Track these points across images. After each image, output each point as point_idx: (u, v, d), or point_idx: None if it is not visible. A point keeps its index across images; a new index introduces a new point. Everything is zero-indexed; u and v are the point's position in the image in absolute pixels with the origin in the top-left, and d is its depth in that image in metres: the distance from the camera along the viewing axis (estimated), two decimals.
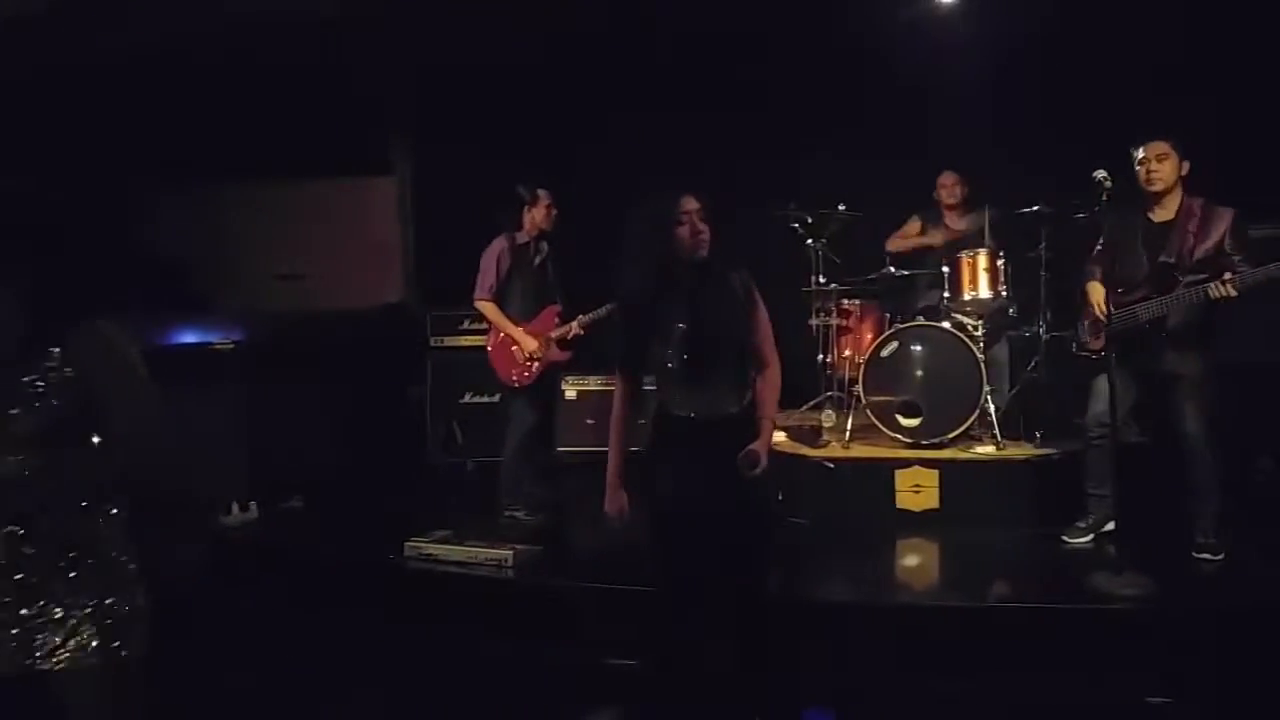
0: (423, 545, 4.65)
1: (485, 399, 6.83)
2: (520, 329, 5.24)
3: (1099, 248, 4.50)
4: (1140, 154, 4.30)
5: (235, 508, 5.59)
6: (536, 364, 5.27)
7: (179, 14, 5.84)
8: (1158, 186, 4.28)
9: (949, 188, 6.07)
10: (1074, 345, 4.74)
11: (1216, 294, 4.06)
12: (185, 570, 4.82)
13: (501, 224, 5.37)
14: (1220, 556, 4.28)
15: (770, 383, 3.13)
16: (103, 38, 5.90)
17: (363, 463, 6.42)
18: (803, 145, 6.61)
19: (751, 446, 2.95)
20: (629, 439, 3.17)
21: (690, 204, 2.99)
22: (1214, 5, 5.77)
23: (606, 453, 3.17)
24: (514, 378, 5.30)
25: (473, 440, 6.82)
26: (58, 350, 2.21)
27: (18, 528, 2.21)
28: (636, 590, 4.08)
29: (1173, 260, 4.26)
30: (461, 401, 6.92)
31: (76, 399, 2.21)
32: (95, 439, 2.26)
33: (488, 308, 5.26)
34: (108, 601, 2.26)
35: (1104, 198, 4.15)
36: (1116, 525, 4.41)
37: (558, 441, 6.75)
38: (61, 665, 2.21)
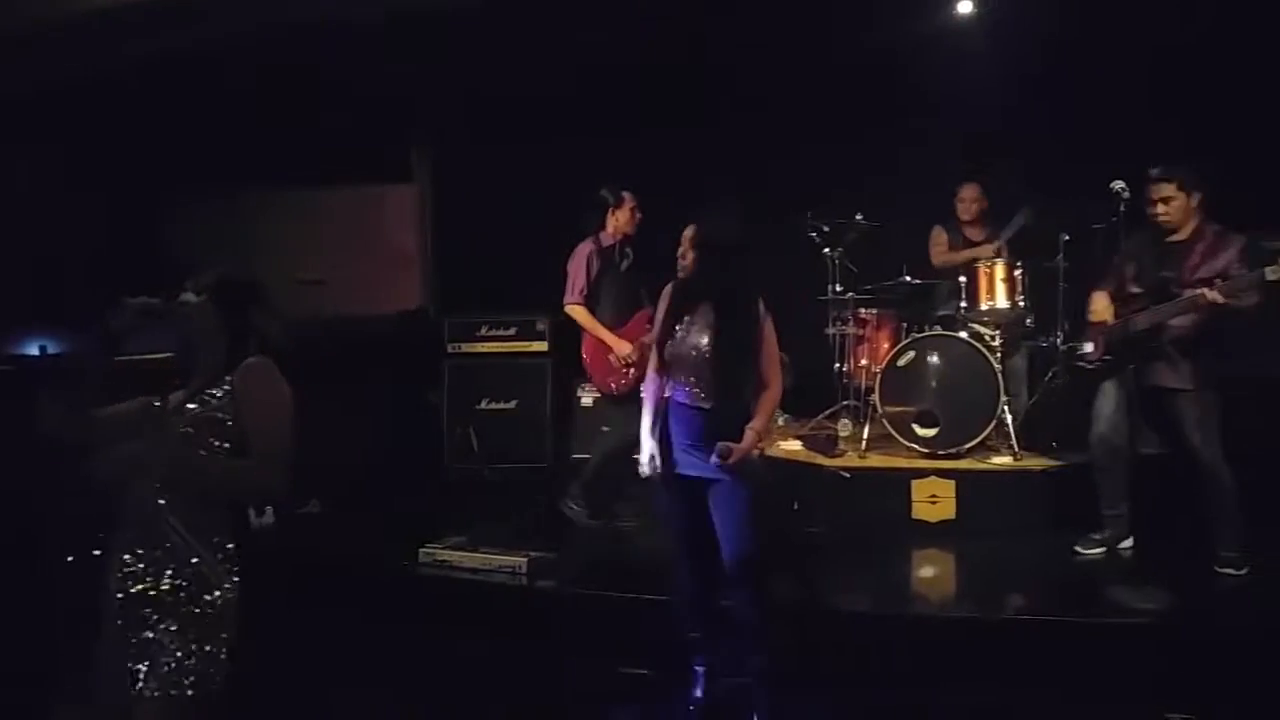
0: (437, 552, 4.66)
1: (502, 405, 6.86)
2: (613, 334, 5.09)
3: (1115, 261, 4.53)
4: (1151, 193, 4.33)
5: (252, 513, 5.61)
6: (633, 371, 5.00)
7: (200, 21, 5.88)
8: (1164, 225, 4.33)
9: (967, 203, 6.03)
10: (1074, 357, 4.75)
11: (1205, 300, 4.08)
12: None
13: (584, 227, 5.24)
14: (1244, 571, 4.21)
15: (766, 401, 3.44)
16: (124, 46, 5.95)
17: (379, 469, 6.45)
18: (820, 154, 6.60)
19: (728, 443, 3.28)
20: (657, 405, 3.56)
21: (686, 232, 3.49)
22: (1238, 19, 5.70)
23: None
24: (611, 386, 5.14)
25: (489, 447, 6.82)
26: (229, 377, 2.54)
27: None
28: (650, 599, 4.10)
29: (1173, 274, 4.27)
30: (478, 408, 6.93)
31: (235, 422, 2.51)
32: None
33: (579, 312, 5.10)
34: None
35: (1121, 209, 4.15)
36: (1134, 543, 4.37)
37: (574, 449, 6.75)
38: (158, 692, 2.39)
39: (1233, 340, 4.24)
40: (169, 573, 2.44)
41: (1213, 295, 4.05)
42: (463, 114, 7.26)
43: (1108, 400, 4.50)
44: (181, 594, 2.44)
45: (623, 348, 5.06)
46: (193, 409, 2.53)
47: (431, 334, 7.19)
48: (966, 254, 5.92)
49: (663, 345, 3.50)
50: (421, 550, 4.69)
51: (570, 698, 3.92)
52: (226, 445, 2.52)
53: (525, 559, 4.49)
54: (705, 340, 3.39)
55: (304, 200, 7.50)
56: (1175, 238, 4.34)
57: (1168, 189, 4.28)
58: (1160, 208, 4.30)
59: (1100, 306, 4.49)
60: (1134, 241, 4.52)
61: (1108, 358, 4.50)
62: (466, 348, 7.05)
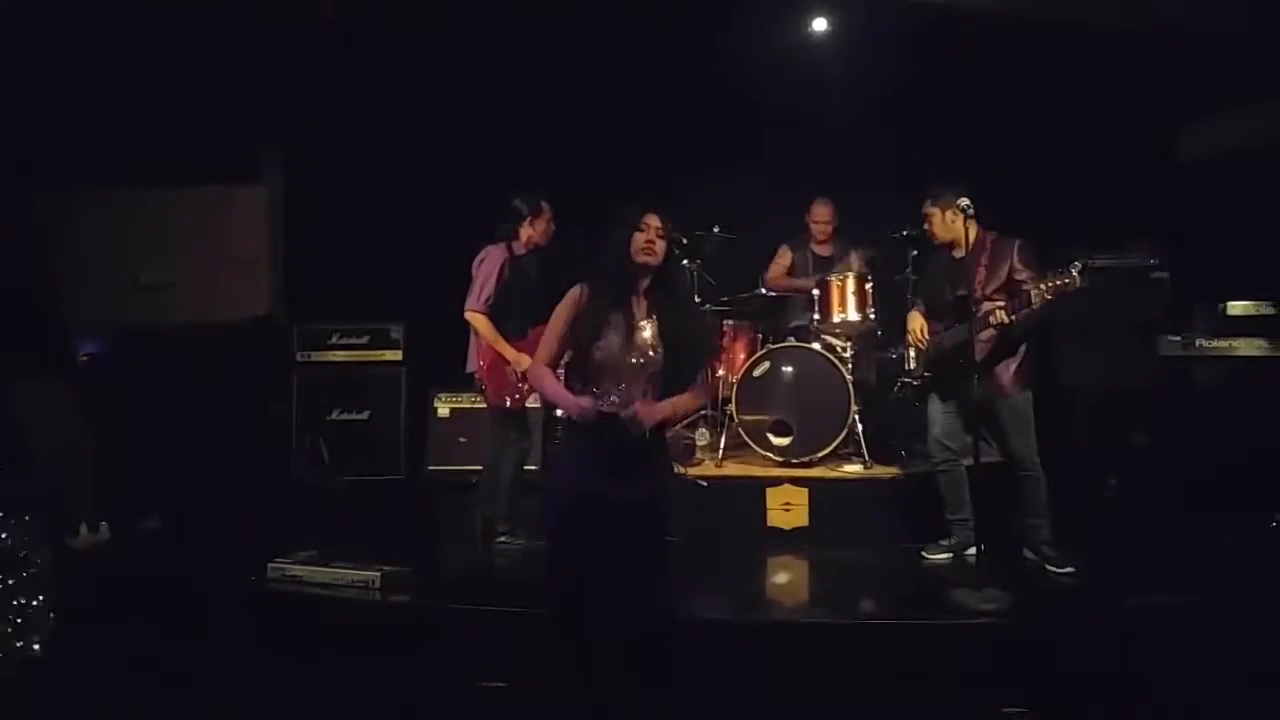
0: (287, 567, 4.49)
1: (354, 416, 6.67)
2: (513, 348, 4.87)
3: (919, 281, 4.83)
4: None
5: (84, 529, 5.27)
6: (528, 386, 4.83)
7: (34, 7, 5.52)
8: (935, 240, 4.66)
9: (821, 223, 6.20)
10: (901, 373, 4.99)
11: (995, 320, 4.35)
12: None
13: (495, 235, 5.05)
14: (1068, 569, 4.50)
15: (692, 392, 3.17)
16: None
17: (225, 481, 6.15)
18: (679, 167, 6.68)
19: (645, 407, 2.98)
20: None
21: (652, 219, 3.13)
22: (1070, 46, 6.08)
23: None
24: (507, 400, 4.94)
25: (341, 458, 6.61)
26: None
27: None
28: (507, 610, 4.05)
29: (967, 292, 4.52)
30: (329, 418, 6.71)
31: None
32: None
33: (480, 321, 4.87)
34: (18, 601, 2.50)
35: (904, 230, 4.43)
36: (979, 548, 4.59)
37: (429, 460, 6.62)
38: None
39: (1064, 351, 4.52)
40: None
41: (1000, 317, 4.33)
42: (312, 114, 7.04)
43: (935, 408, 4.75)
44: None
45: (523, 361, 4.77)
46: None
47: (279, 342, 6.92)
48: (798, 284, 6.14)
49: (588, 349, 3.08)
50: (270, 565, 4.50)
51: (425, 713, 3.83)
52: None
53: (378, 573, 4.37)
54: (654, 345, 3.09)
55: (144, 201, 7.10)
56: (958, 254, 4.62)
57: (926, 207, 4.64)
58: (926, 224, 4.65)
59: (915, 327, 4.77)
60: (931, 262, 4.84)
61: (928, 374, 4.74)
62: (317, 356, 6.83)
